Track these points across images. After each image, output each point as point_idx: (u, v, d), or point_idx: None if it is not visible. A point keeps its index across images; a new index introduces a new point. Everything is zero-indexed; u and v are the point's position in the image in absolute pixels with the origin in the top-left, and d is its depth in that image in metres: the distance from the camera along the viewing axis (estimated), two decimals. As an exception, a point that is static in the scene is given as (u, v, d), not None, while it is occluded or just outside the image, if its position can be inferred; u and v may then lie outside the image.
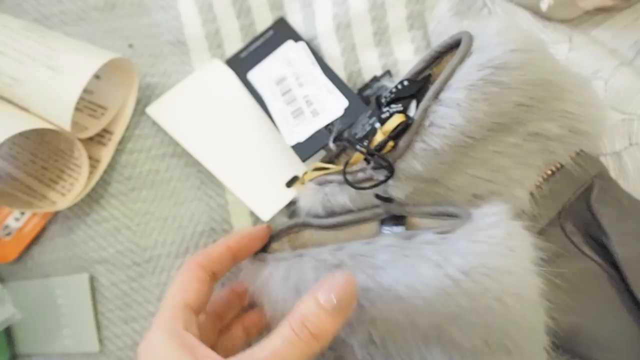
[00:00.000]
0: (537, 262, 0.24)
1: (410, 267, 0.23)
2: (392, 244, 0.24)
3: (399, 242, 0.24)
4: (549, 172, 0.28)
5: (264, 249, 0.29)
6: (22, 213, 0.33)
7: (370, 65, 0.33)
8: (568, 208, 0.29)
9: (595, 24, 0.33)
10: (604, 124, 0.28)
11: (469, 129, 0.24)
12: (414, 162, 0.25)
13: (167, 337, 0.22)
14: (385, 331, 0.24)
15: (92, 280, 0.32)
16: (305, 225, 0.29)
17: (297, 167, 0.31)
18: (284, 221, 0.31)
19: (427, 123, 0.25)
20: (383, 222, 0.27)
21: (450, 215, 0.26)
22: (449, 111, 0.24)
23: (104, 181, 0.33)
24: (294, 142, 0.30)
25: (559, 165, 0.28)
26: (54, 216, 0.33)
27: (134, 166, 0.33)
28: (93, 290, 0.32)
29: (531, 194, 0.28)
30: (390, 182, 0.26)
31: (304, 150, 0.29)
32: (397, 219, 0.27)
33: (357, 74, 0.33)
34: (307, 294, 0.22)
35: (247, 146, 0.32)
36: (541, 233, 0.29)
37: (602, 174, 0.29)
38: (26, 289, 0.34)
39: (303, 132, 0.30)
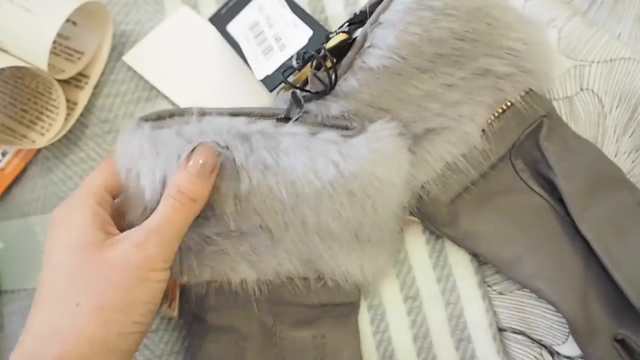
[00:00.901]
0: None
1: (309, 158, 0.26)
2: (298, 133, 0.27)
3: (304, 134, 0.27)
4: (500, 111, 0.31)
5: None
6: (3, 155, 0.35)
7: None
8: (518, 146, 0.31)
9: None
10: (552, 65, 0.31)
11: (406, 53, 0.26)
12: (352, 78, 0.27)
13: (82, 207, 0.26)
14: (270, 212, 0.27)
15: (70, 217, 0.34)
16: (203, 114, 0.29)
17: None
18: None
19: (367, 44, 0.27)
20: (286, 120, 0.29)
21: (346, 128, 0.28)
22: (385, 32, 0.26)
23: (81, 124, 0.35)
24: (262, 76, 0.32)
25: (509, 104, 0.31)
26: (34, 158, 0.36)
27: (109, 110, 0.35)
28: (71, 227, 0.34)
29: (483, 130, 0.30)
30: (329, 97, 0.28)
31: (270, 81, 0.32)
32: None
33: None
34: (178, 166, 0.26)
35: (220, 87, 0.34)
36: (492, 168, 0.31)
37: (551, 114, 0.31)
38: (7, 228, 0.36)
39: (271, 66, 0.32)
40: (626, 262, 0.29)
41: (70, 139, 0.35)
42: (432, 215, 0.31)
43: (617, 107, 0.33)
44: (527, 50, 0.29)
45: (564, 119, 0.33)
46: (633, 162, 0.32)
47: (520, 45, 0.29)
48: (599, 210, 0.30)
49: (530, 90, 0.30)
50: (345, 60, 0.27)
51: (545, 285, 0.30)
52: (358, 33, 0.29)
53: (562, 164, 0.30)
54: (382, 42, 0.27)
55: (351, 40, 0.28)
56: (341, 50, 0.29)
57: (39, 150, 0.36)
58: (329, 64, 0.27)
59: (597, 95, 0.33)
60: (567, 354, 0.31)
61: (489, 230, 0.31)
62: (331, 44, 0.27)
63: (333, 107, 0.29)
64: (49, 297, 0.25)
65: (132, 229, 0.26)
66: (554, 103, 0.33)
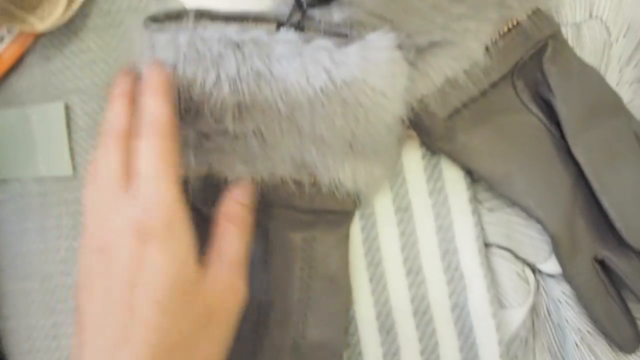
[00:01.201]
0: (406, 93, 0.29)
1: (301, 65, 0.26)
2: (290, 40, 0.27)
3: (297, 41, 0.27)
4: (505, 29, 0.31)
5: None
6: (1, 40, 0.35)
7: None
8: (521, 66, 0.32)
9: None
10: None
11: None
12: None
13: (182, 225, 0.24)
14: (267, 120, 0.28)
15: (67, 108, 0.34)
16: (202, 15, 0.29)
17: None
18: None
19: None
20: (280, 26, 0.29)
21: (345, 35, 0.28)
22: None
23: (83, 14, 0.35)
24: None
25: (515, 23, 0.31)
26: (32, 46, 0.35)
27: (113, 2, 0.34)
28: (67, 119, 0.35)
29: (486, 47, 0.30)
30: (334, 3, 0.28)
31: None
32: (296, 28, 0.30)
33: None
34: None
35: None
36: (493, 87, 0.31)
37: (556, 36, 0.31)
38: (2, 117, 0.36)
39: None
40: (614, 187, 0.30)
41: (70, 29, 0.35)
42: (429, 129, 0.31)
43: (623, 37, 0.33)
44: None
45: (570, 44, 0.33)
46: (634, 92, 0.33)
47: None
48: (594, 135, 0.31)
49: (538, 9, 0.31)
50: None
51: (533, 202, 0.31)
52: None
53: (563, 87, 0.31)
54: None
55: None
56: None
57: (37, 39, 0.35)
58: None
59: (605, 24, 0.33)
60: (549, 271, 0.32)
61: (484, 147, 0.31)
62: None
63: (336, 13, 0.29)
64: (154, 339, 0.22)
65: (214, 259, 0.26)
66: (562, 29, 0.33)
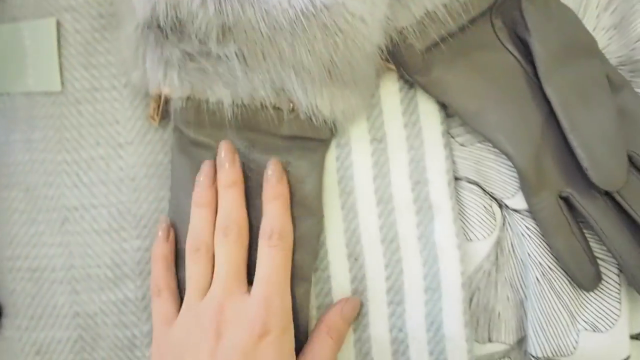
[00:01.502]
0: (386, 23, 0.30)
1: None
2: None
3: None
4: None
5: None
6: (-3, -44, 0.36)
7: None
8: (500, 4, 0.32)
9: None
10: None
11: None
12: None
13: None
14: (249, 42, 0.29)
15: (59, 25, 0.36)
16: None
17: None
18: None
19: None
20: None
21: None
22: None
23: None
24: None
25: None
26: (27, -37, 0.36)
27: None
28: (58, 35, 0.36)
29: None
30: None
31: None
32: None
33: None
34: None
35: None
36: (471, 23, 0.32)
37: None
38: (-5, 33, 0.37)
39: None
40: (583, 127, 0.31)
41: (65, -53, 0.35)
42: (407, 61, 0.32)
43: (604, -17, 0.34)
44: None
45: (551, -11, 0.34)
46: (610, 38, 0.34)
47: None
48: (566, 75, 0.32)
49: None
50: None
51: (504, 137, 0.32)
52: None
53: (539, 27, 0.32)
54: None
55: None
56: None
57: (33, -44, 0.36)
58: None
59: (587, -31, 0.34)
60: (515, 207, 0.33)
61: (459, 81, 0.32)
62: None
63: None
64: None
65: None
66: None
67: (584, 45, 0.32)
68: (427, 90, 0.33)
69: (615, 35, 0.34)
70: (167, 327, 0.31)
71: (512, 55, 0.33)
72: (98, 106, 0.35)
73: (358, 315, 0.33)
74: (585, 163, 0.31)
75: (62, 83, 0.36)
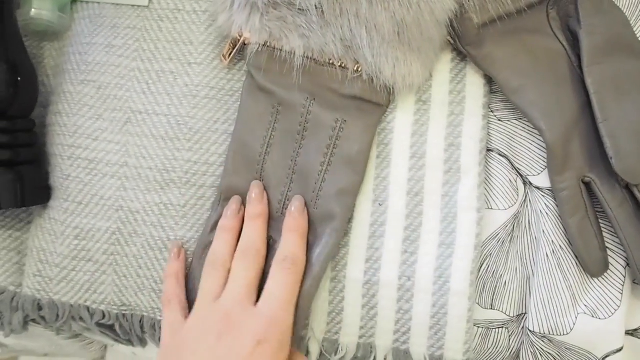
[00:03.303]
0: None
1: None
2: None
3: None
4: None
5: None
6: None
7: None
8: None
9: None
10: None
11: None
12: None
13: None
14: None
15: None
16: None
17: None
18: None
19: None
20: None
21: None
22: None
23: None
24: None
25: None
26: None
27: None
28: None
29: None
30: None
31: None
32: None
33: None
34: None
35: None
36: (529, 7, 0.36)
37: None
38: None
39: None
40: (614, 119, 0.35)
41: None
42: (462, 33, 0.37)
43: (660, -3, 0.38)
44: None
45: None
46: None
47: None
48: (607, 69, 0.35)
49: None
50: None
51: (539, 113, 0.36)
52: None
53: (590, 21, 0.36)
54: None
55: None
56: None
57: None
58: None
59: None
60: (538, 184, 0.37)
61: (507, 58, 0.37)
62: None
63: None
64: None
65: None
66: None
67: (628, 45, 0.36)
68: (476, 62, 0.37)
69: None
70: (176, 333, 0.35)
71: (561, 43, 0.37)
72: (177, 25, 0.40)
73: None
74: (610, 152, 0.34)
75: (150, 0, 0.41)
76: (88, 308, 0.40)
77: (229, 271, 0.36)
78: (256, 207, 0.37)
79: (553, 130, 0.35)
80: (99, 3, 0.42)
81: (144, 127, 0.40)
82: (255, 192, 0.38)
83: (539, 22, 0.37)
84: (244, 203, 0.38)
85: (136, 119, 0.40)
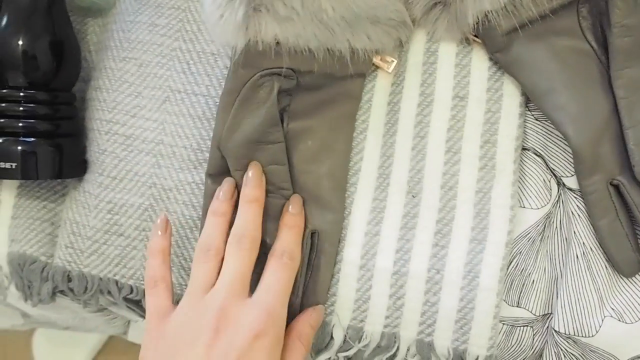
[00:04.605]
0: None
1: None
2: None
3: None
4: None
5: None
6: None
7: None
8: None
9: None
10: None
11: None
12: None
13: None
14: None
15: None
16: None
17: None
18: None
19: None
20: None
21: None
22: None
23: None
24: None
25: None
26: None
27: None
28: (202, -59, 0.43)
29: None
30: None
31: None
32: None
33: None
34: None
35: None
36: (553, 13, 0.38)
37: None
38: None
39: None
40: (640, 124, 0.35)
41: None
42: (489, 40, 0.38)
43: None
44: None
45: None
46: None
47: None
48: (636, 73, 0.36)
49: None
50: None
51: (566, 119, 0.37)
52: None
53: (621, 22, 0.36)
54: None
55: None
56: None
57: None
58: None
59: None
60: (570, 186, 0.38)
61: (534, 62, 0.38)
62: None
63: None
64: None
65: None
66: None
67: (660, 49, 0.37)
68: (504, 67, 0.39)
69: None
70: (162, 319, 0.34)
71: (590, 45, 0.38)
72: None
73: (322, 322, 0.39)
74: (634, 159, 0.35)
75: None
76: (117, 282, 0.41)
77: (221, 260, 0.35)
78: (253, 189, 0.37)
79: (580, 135, 0.36)
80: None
81: (182, 106, 0.41)
82: (253, 172, 0.37)
83: (568, 23, 0.38)
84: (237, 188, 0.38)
85: (175, 98, 0.42)
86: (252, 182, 0.37)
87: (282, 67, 0.37)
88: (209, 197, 0.39)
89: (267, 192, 0.38)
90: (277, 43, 0.36)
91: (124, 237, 0.41)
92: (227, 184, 0.38)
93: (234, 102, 0.38)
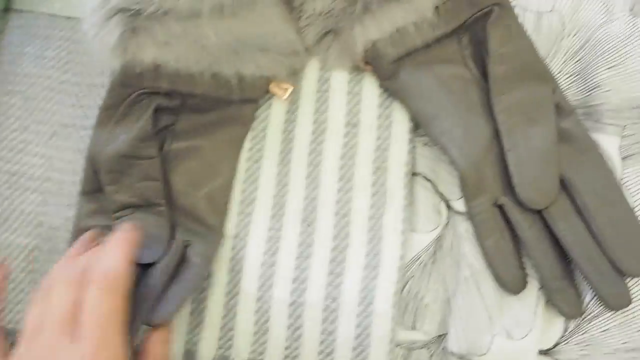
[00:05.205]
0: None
1: None
2: None
3: None
4: None
5: None
6: None
7: None
8: (469, 25, 0.40)
9: None
10: None
11: None
12: None
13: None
14: None
15: None
16: None
17: None
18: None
19: None
20: None
21: None
22: None
23: None
24: None
25: None
26: None
27: None
28: None
29: (436, 7, 0.39)
30: None
31: None
32: None
33: None
34: None
35: None
36: (437, 41, 0.40)
37: (503, 4, 0.40)
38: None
39: None
40: (520, 146, 0.38)
41: None
42: (378, 68, 0.40)
43: (574, 35, 0.42)
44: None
45: (530, 28, 0.42)
46: (571, 83, 0.42)
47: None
48: (515, 98, 0.38)
49: None
50: None
51: (451, 143, 0.39)
52: None
53: (498, 50, 0.39)
54: None
55: None
56: None
57: None
58: None
59: (563, 19, 0.42)
60: (459, 209, 0.40)
61: (421, 89, 0.40)
62: None
63: None
64: None
65: None
66: (527, 13, 0.42)
67: (536, 73, 0.39)
68: (393, 94, 0.41)
69: (575, 81, 0.41)
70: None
71: (471, 72, 0.40)
72: (111, 40, 0.42)
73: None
74: (515, 179, 0.37)
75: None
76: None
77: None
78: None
79: (465, 159, 0.38)
80: (33, 12, 0.43)
81: (71, 141, 0.41)
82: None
83: (451, 51, 0.40)
84: None
85: (63, 133, 0.41)
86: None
87: (161, 89, 0.37)
88: (82, 217, 0.38)
89: (140, 207, 0.38)
90: (157, 66, 0.37)
91: (9, 280, 0.40)
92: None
93: (111, 117, 0.38)
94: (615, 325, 0.38)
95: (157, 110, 0.38)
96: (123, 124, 0.38)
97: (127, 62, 0.36)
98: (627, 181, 0.39)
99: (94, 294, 0.29)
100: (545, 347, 0.39)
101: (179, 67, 0.37)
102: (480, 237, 0.38)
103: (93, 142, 0.38)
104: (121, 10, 0.35)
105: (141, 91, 0.38)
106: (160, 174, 0.38)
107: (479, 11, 0.39)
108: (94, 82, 0.41)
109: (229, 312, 0.39)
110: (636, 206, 0.39)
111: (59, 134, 0.41)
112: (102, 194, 0.38)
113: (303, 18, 0.40)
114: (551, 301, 0.38)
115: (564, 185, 0.38)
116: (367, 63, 0.40)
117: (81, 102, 0.41)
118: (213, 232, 0.39)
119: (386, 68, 0.40)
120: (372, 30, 0.39)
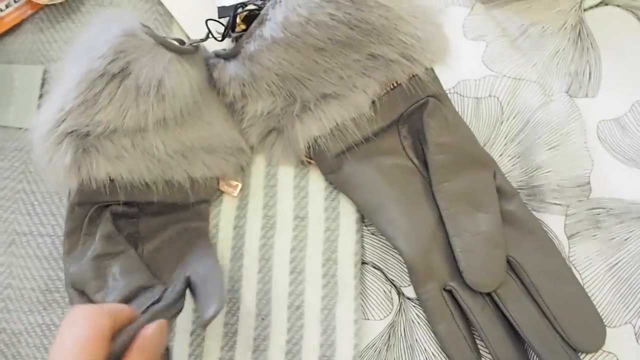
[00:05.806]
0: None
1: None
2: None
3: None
4: (389, 88, 0.41)
5: None
6: (6, 7, 0.46)
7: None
8: (407, 116, 0.42)
9: (497, 6, 0.46)
10: (442, 56, 0.40)
11: (295, 31, 0.37)
12: (251, 44, 0.39)
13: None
14: None
15: (45, 73, 0.45)
16: None
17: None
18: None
19: (267, 17, 0.38)
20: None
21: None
22: (278, 9, 0.37)
23: (79, 1, 0.45)
24: (220, 5, 0.43)
25: (396, 84, 0.41)
26: (31, 17, 0.46)
27: (108, -5, 0.46)
28: (43, 81, 0.45)
29: (373, 102, 0.41)
30: (239, 56, 0.39)
31: (223, 11, 0.42)
32: None
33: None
34: None
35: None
36: (376, 135, 0.41)
37: (438, 95, 0.41)
38: (-10, 69, 0.46)
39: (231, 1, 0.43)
40: (465, 231, 0.39)
41: (66, 9, 0.45)
42: (321, 163, 0.42)
43: (513, 118, 0.44)
44: (417, 45, 0.39)
45: (469, 114, 0.43)
46: (513, 165, 0.43)
47: (410, 39, 0.39)
48: (456, 186, 0.40)
49: (416, 75, 0.40)
50: (250, 28, 0.39)
51: (397, 233, 0.40)
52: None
53: (436, 140, 0.41)
54: (274, 17, 0.38)
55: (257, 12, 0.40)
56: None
57: (36, 11, 0.46)
58: (239, 28, 0.39)
59: (501, 104, 0.44)
60: (409, 295, 0.41)
61: (364, 181, 0.41)
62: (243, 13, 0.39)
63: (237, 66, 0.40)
64: None
65: None
66: (466, 100, 0.44)
67: (476, 159, 0.41)
68: (338, 187, 0.42)
69: (518, 163, 0.43)
70: None
71: (412, 162, 0.42)
72: (64, 147, 0.43)
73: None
74: (461, 264, 0.39)
75: (38, 122, 0.44)
76: None
77: None
78: None
79: (412, 249, 0.39)
80: (-7, 126, 0.45)
81: (28, 248, 0.42)
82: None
83: (391, 142, 0.42)
84: None
85: (21, 241, 0.42)
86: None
87: (118, 201, 0.39)
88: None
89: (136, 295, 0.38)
90: (111, 180, 0.38)
91: (-27, 389, 0.41)
92: None
93: (77, 242, 0.39)
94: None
95: (117, 217, 0.40)
96: (88, 244, 0.39)
97: (82, 181, 0.38)
98: (574, 259, 0.41)
99: None
100: None
101: (132, 178, 0.38)
102: (432, 322, 0.40)
103: (67, 270, 0.39)
104: (71, 134, 0.36)
105: (97, 206, 0.39)
106: (139, 261, 0.39)
107: (414, 104, 0.41)
108: (49, 190, 0.43)
109: None
110: (584, 283, 0.40)
111: (16, 242, 0.42)
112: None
113: (245, 119, 0.42)
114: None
115: (512, 267, 0.39)
116: (311, 158, 0.42)
117: (37, 210, 0.43)
118: None
119: (329, 162, 0.42)
120: (312, 127, 0.40)
